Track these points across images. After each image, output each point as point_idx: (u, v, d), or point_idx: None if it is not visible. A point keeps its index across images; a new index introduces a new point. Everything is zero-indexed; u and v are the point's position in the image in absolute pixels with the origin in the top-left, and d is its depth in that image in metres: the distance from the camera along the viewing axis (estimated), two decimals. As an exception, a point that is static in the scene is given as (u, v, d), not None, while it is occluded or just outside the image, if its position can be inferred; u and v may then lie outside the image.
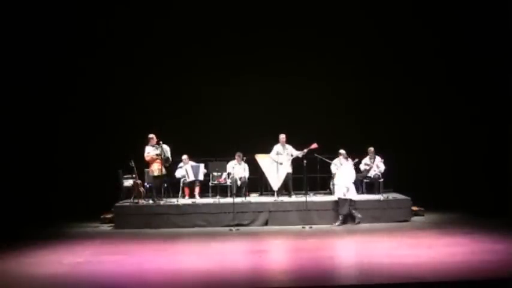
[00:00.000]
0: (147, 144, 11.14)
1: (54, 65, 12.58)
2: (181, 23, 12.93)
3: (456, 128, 12.90)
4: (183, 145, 11.74)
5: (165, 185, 11.59)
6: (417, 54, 12.94)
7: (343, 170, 10.66)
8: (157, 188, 11.30)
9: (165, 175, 11.30)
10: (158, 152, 11.06)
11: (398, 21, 12.79)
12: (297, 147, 11.38)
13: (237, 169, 11.66)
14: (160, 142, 11.13)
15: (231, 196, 11.22)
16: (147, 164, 11.25)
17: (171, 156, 11.31)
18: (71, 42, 12.62)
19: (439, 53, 12.92)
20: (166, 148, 11.23)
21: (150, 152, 11.08)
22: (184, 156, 11.64)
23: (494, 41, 12.21)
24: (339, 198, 10.48)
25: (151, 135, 11.14)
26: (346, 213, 10.41)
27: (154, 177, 11.16)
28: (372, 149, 11.86)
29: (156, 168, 11.08)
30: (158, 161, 11.06)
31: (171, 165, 11.47)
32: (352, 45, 12.98)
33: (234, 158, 11.79)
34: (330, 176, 11.88)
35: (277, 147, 11.48)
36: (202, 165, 11.68)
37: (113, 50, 12.85)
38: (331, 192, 11.78)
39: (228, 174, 11.62)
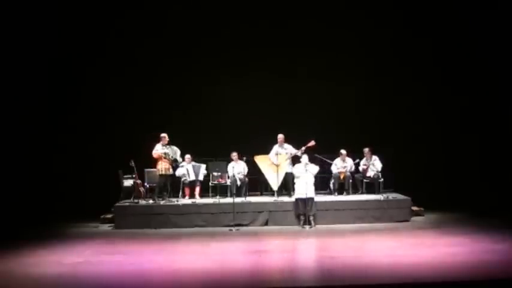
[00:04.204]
0: (158, 141, 11.15)
1: (55, 65, 12.57)
2: (182, 24, 12.93)
3: (456, 127, 12.90)
4: (183, 145, 11.70)
5: (168, 184, 11.54)
6: (416, 53, 12.93)
7: (306, 170, 10.58)
8: (160, 187, 11.31)
9: (170, 175, 11.31)
10: (166, 151, 11.08)
11: (398, 21, 12.79)
12: (297, 147, 11.37)
13: (237, 168, 11.67)
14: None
15: (231, 196, 11.22)
16: (155, 162, 11.22)
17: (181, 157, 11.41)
18: (72, 43, 12.62)
19: (439, 52, 12.93)
20: (176, 150, 11.26)
21: (158, 149, 11.10)
22: (187, 156, 11.64)
23: (493, 39, 12.22)
24: (300, 199, 10.40)
25: (163, 135, 11.15)
26: (306, 213, 10.35)
27: (159, 175, 11.17)
28: (367, 149, 11.85)
29: (161, 168, 11.09)
30: (165, 160, 11.07)
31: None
32: (352, 45, 12.98)
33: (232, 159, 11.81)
34: (330, 176, 11.91)
35: (276, 148, 11.48)
36: (203, 166, 11.69)
37: (113, 50, 12.85)
38: (331, 192, 11.80)
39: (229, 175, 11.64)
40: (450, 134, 12.94)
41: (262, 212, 10.76)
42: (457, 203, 11.75)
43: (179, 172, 11.63)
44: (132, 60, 12.93)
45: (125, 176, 11.72)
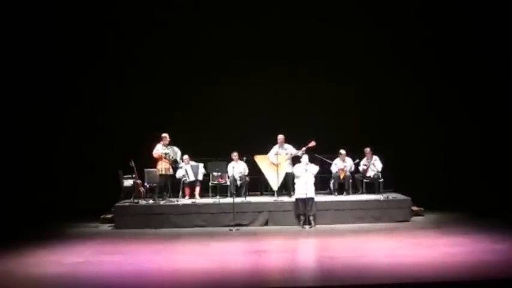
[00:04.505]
0: (159, 141, 11.15)
1: (55, 65, 12.58)
2: (182, 23, 12.93)
3: (456, 127, 12.91)
4: (183, 145, 11.71)
5: (168, 184, 11.53)
6: (417, 53, 12.93)
7: (307, 169, 10.57)
8: (160, 187, 11.30)
9: (170, 175, 11.31)
10: (167, 151, 11.07)
11: (398, 21, 12.78)
12: (297, 147, 11.37)
13: (237, 168, 11.67)
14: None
15: (230, 196, 11.22)
16: (155, 162, 11.21)
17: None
18: (72, 43, 12.63)
19: (439, 52, 12.93)
20: (177, 150, 11.26)
21: (158, 149, 11.10)
22: (185, 156, 11.63)
23: (494, 39, 12.23)
24: (300, 199, 10.39)
25: (164, 135, 11.16)
26: (306, 213, 10.35)
27: (160, 175, 11.17)
28: (368, 149, 11.84)
29: (161, 168, 11.09)
30: (165, 160, 11.07)
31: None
32: (352, 45, 12.97)
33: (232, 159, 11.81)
34: (330, 176, 11.91)
35: (275, 148, 11.48)
36: (201, 165, 11.69)
37: (113, 50, 12.85)
38: (331, 192, 11.80)
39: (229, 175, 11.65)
40: (450, 133, 12.94)
41: (262, 212, 10.76)
42: (457, 203, 11.75)
43: (179, 174, 11.61)
44: (132, 60, 12.93)
45: (125, 176, 11.72)
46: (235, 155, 11.75)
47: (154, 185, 11.45)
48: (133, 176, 11.56)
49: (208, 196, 11.69)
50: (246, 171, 11.74)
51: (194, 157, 11.83)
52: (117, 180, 11.73)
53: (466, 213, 11.22)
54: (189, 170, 11.57)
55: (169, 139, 11.16)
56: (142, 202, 11.25)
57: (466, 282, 6.28)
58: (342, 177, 11.73)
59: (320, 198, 11.10)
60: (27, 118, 12.30)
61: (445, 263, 7.20)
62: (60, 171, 12.59)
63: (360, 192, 11.87)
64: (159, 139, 11.17)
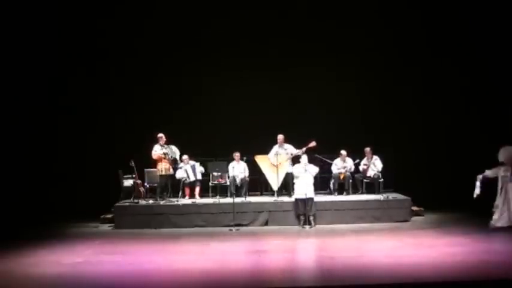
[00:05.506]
0: (156, 142, 11.14)
1: (54, 64, 12.58)
2: (182, 22, 12.93)
3: (457, 127, 12.89)
4: (182, 145, 11.72)
5: (168, 184, 11.53)
6: (418, 53, 12.93)
7: (305, 170, 10.57)
8: (161, 187, 11.30)
9: (170, 175, 11.30)
10: (166, 151, 11.07)
11: (400, 21, 12.78)
12: (297, 147, 11.36)
13: (237, 169, 11.67)
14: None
15: (230, 196, 11.21)
16: (154, 162, 11.22)
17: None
18: (72, 43, 12.63)
19: (440, 51, 12.92)
20: (175, 149, 11.25)
21: (157, 150, 11.10)
22: (185, 157, 11.62)
23: (495, 40, 12.23)
24: (299, 199, 10.39)
25: (160, 135, 11.14)
26: (306, 213, 10.35)
27: (160, 176, 11.16)
28: (368, 149, 11.82)
29: (161, 168, 11.09)
30: (165, 160, 11.06)
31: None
32: (352, 45, 12.97)
33: (233, 159, 11.80)
34: (330, 176, 11.90)
35: (275, 148, 11.47)
36: (197, 164, 11.67)
37: (112, 49, 12.85)
38: (331, 192, 11.80)
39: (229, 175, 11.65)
40: (450, 133, 12.94)
41: (262, 212, 10.76)
42: (457, 203, 11.73)
43: (179, 175, 11.59)
44: (132, 60, 12.92)
45: (125, 176, 11.72)
46: (237, 155, 11.74)
47: (155, 185, 11.45)
48: (133, 176, 11.56)
49: (208, 196, 11.69)
50: (247, 172, 11.73)
51: (194, 157, 11.83)
52: (117, 180, 11.73)
53: (466, 213, 11.21)
54: (189, 170, 11.56)
55: (165, 139, 11.15)
56: (142, 202, 11.25)
57: (466, 282, 6.27)
58: (342, 177, 11.73)
59: (320, 198, 11.09)
60: (27, 118, 12.29)
61: (445, 263, 7.20)
62: (60, 171, 12.58)
63: (360, 192, 11.86)
64: (155, 140, 11.15)
